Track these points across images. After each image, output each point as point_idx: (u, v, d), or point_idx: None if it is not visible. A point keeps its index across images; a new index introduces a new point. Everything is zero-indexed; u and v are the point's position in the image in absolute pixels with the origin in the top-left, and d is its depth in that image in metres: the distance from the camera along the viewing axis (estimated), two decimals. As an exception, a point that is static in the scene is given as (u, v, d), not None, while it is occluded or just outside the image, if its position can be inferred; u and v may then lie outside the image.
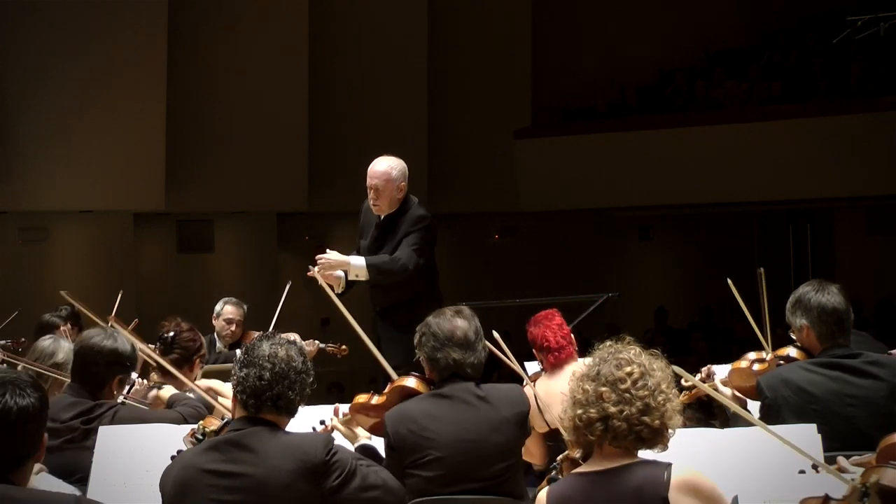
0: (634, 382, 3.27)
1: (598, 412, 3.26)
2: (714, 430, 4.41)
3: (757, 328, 5.21)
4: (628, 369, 3.30)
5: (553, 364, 5.44)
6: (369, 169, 6.55)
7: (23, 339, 7.70)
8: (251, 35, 13.18)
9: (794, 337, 4.72)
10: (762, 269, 5.34)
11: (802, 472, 3.51)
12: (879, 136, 13.86)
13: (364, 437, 4.49)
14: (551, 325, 5.48)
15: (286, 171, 13.46)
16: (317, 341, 7.43)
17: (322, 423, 4.57)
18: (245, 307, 7.94)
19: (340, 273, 6.57)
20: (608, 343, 3.43)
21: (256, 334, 3.86)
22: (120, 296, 7.68)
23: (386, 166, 6.50)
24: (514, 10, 15.88)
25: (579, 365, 3.53)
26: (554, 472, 3.61)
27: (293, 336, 4.92)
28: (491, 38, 15.60)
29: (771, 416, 4.41)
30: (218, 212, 14.04)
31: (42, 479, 3.87)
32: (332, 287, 6.35)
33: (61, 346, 5.10)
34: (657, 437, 3.29)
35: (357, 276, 6.38)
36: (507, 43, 15.79)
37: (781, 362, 4.71)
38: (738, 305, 5.34)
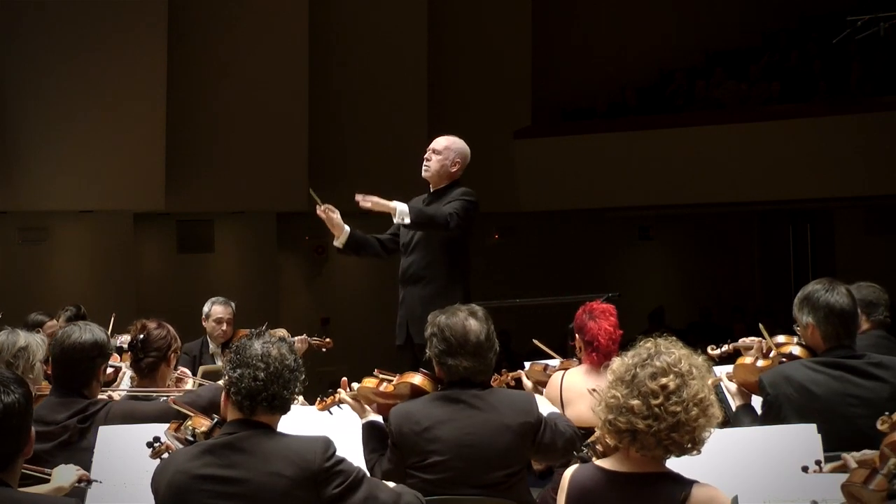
0: (668, 397, 3.19)
1: (626, 424, 3.20)
2: (714, 430, 4.40)
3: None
4: (664, 381, 3.20)
5: (593, 363, 5.27)
6: None
7: None
8: (251, 35, 13.17)
9: (797, 331, 4.71)
10: (762, 325, 5.19)
11: (805, 468, 3.51)
12: (879, 136, 13.86)
13: (371, 413, 4.48)
14: (607, 326, 5.28)
15: (286, 171, 13.44)
16: (306, 336, 7.42)
17: (330, 391, 4.57)
18: (233, 305, 7.89)
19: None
20: (649, 342, 3.32)
21: (245, 332, 3.80)
22: (113, 318, 7.36)
23: (451, 137, 6.76)
24: (514, 9, 15.87)
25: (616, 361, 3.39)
26: (586, 451, 3.55)
27: (281, 332, 4.88)
28: (491, 38, 15.59)
29: (773, 413, 4.40)
30: (218, 212, 14.03)
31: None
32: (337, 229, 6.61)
33: (18, 335, 4.83)
34: (685, 451, 3.24)
35: (403, 219, 6.38)
36: (507, 43, 15.79)
37: (784, 360, 4.71)
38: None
